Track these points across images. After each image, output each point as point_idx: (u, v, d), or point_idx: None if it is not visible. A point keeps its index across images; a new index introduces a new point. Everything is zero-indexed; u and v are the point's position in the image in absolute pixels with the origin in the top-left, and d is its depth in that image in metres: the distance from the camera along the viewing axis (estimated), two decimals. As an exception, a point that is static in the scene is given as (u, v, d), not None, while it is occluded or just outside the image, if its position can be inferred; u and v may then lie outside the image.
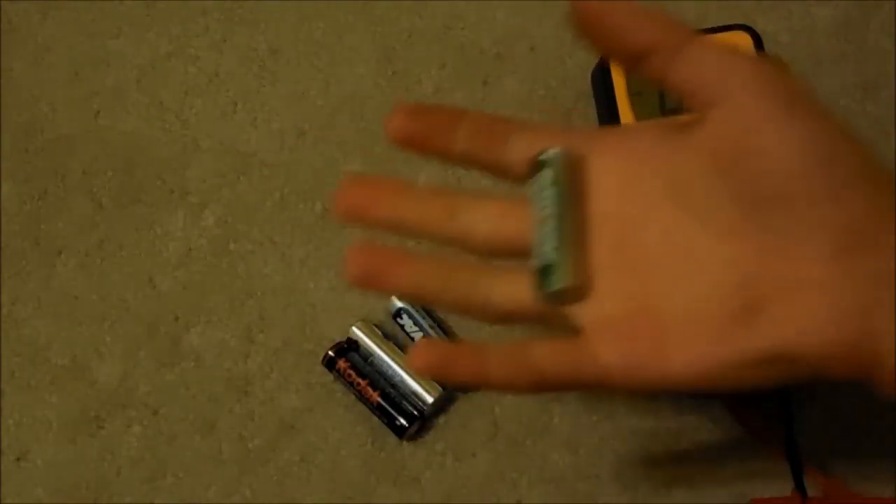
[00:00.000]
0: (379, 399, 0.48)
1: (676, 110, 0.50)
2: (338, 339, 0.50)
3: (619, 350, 0.35)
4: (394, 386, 0.49)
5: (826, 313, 0.32)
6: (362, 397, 0.49)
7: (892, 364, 0.32)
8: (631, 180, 0.36)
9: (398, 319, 0.50)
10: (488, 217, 0.38)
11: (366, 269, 0.38)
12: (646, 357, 0.34)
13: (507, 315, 0.38)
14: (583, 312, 0.36)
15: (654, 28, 0.34)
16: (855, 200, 0.32)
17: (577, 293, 0.35)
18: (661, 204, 0.35)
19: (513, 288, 0.37)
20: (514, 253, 0.37)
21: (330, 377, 0.50)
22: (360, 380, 0.49)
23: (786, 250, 0.33)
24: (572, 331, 0.36)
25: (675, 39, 0.34)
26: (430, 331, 0.50)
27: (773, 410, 0.47)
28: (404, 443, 0.49)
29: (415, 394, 0.49)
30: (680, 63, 0.34)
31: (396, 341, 0.50)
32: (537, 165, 0.36)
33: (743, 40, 0.50)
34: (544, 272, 0.35)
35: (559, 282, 0.35)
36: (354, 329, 0.50)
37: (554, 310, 0.36)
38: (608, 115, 0.50)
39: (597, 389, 0.36)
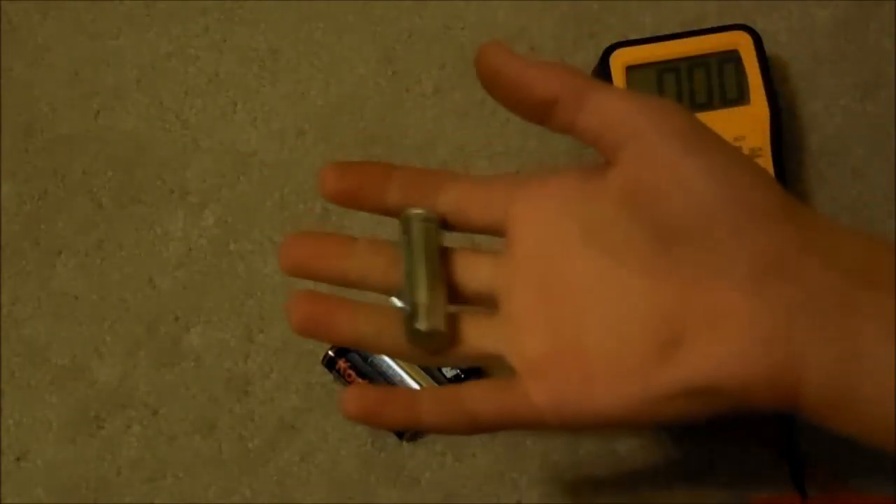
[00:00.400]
0: (379, 399, 0.48)
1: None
2: (338, 339, 0.50)
3: (548, 390, 0.36)
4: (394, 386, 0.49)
5: (744, 345, 0.33)
6: (362, 397, 0.49)
7: (813, 392, 0.33)
8: (551, 225, 0.38)
9: (398, 319, 0.50)
10: None
11: (308, 317, 0.38)
12: (574, 395, 0.36)
13: (438, 358, 0.39)
14: (512, 352, 0.37)
15: (554, 81, 0.36)
16: (764, 231, 0.33)
17: (440, 338, 0.38)
18: (581, 246, 0.37)
19: None
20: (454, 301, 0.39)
21: (330, 377, 0.50)
22: (359, 380, 0.49)
23: (702, 284, 0.34)
24: (508, 371, 0.37)
25: (575, 90, 0.35)
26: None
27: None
28: (404, 443, 0.49)
29: (415, 394, 0.49)
30: (583, 112, 0.35)
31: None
32: (407, 220, 0.39)
33: (743, 40, 0.50)
34: (409, 318, 0.37)
35: (421, 325, 0.37)
36: (354, 329, 0.50)
37: (432, 352, 0.38)
38: (608, 115, 0.50)
39: (532, 429, 0.38)
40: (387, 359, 0.49)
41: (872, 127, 0.53)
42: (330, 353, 0.49)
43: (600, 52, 0.51)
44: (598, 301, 0.36)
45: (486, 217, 0.39)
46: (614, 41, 0.51)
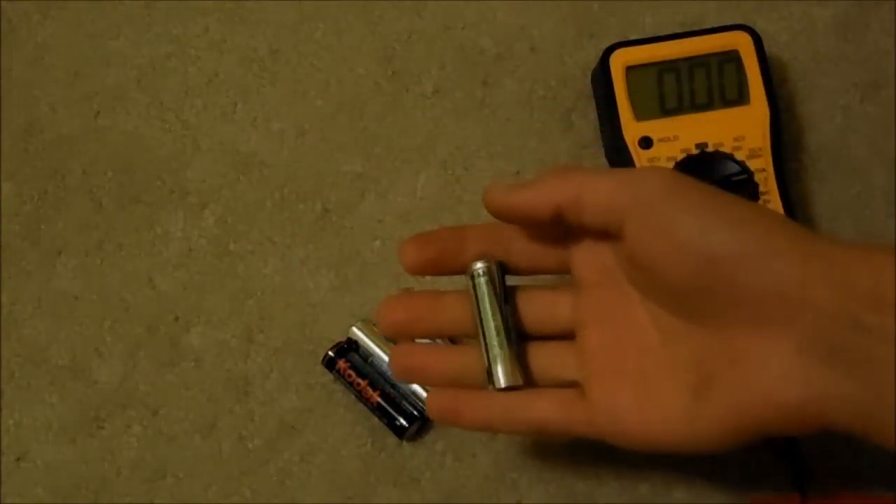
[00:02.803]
0: (379, 399, 0.48)
1: (676, 110, 0.50)
2: (338, 339, 0.50)
3: (609, 413, 0.40)
4: (394, 386, 0.49)
5: (764, 387, 0.35)
6: (362, 397, 0.49)
7: (841, 418, 0.34)
8: (606, 266, 0.41)
9: (398, 319, 0.50)
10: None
11: (408, 365, 0.43)
12: (633, 426, 0.39)
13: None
14: (585, 378, 0.41)
15: (550, 197, 0.39)
16: (762, 273, 0.35)
17: (518, 387, 0.41)
18: (633, 289, 0.40)
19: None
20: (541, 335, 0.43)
21: (330, 377, 0.50)
22: (360, 380, 0.49)
23: (719, 331, 0.36)
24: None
25: (570, 195, 0.38)
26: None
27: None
28: (404, 443, 0.49)
29: (415, 394, 0.49)
30: (584, 211, 0.38)
31: (396, 342, 0.50)
32: (470, 277, 0.42)
33: (743, 40, 0.50)
34: (488, 375, 0.41)
35: (502, 381, 0.41)
36: (354, 329, 0.50)
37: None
38: (608, 115, 0.50)
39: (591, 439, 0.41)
40: (387, 359, 0.49)
41: (872, 127, 0.53)
42: (330, 353, 0.49)
43: (600, 52, 0.51)
44: (654, 341, 0.39)
45: (551, 262, 0.42)
46: (614, 41, 0.51)
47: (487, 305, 0.41)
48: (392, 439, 0.49)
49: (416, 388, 0.49)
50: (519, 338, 0.42)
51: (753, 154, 0.49)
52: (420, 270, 0.42)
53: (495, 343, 0.41)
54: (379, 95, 0.54)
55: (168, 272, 0.52)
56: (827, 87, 0.54)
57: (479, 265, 0.41)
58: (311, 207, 0.53)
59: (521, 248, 0.42)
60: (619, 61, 0.50)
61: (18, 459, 0.50)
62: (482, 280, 0.41)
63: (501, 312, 0.41)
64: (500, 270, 0.42)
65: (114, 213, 0.53)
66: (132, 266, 0.52)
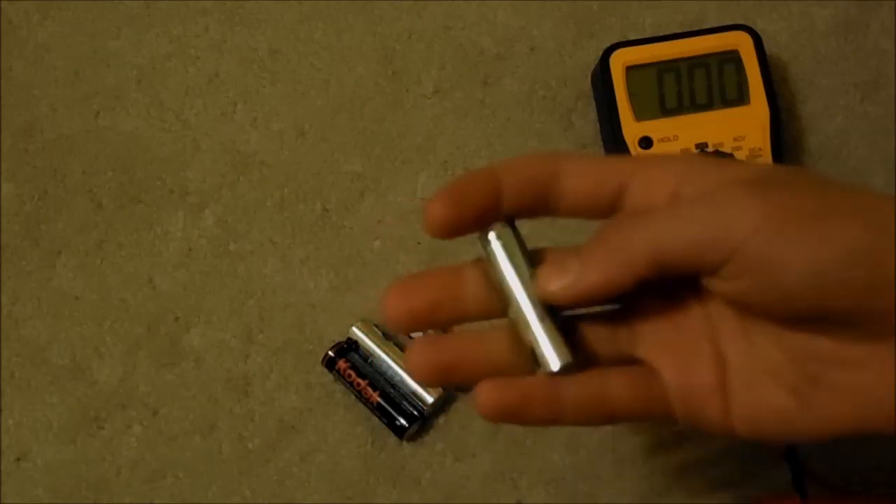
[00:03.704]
0: (379, 399, 0.48)
1: (676, 110, 0.50)
2: (338, 339, 0.50)
3: (686, 397, 0.34)
4: (394, 386, 0.49)
5: (875, 393, 0.32)
6: (362, 397, 0.49)
7: None
8: None
9: (398, 319, 0.50)
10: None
11: (435, 367, 0.35)
12: (712, 413, 0.34)
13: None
14: (646, 352, 0.35)
15: (631, 268, 0.32)
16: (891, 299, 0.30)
17: (575, 366, 0.34)
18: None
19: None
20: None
21: (330, 377, 0.50)
22: (360, 380, 0.49)
23: (827, 336, 0.32)
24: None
25: (649, 256, 0.32)
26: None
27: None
28: (404, 443, 0.49)
29: (415, 394, 0.49)
30: (666, 265, 0.32)
31: (396, 341, 0.50)
32: (487, 242, 0.35)
33: (743, 40, 0.50)
34: (535, 362, 0.34)
35: (558, 362, 0.34)
36: (354, 329, 0.50)
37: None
38: (608, 115, 0.50)
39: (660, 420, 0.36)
40: (387, 359, 0.49)
41: (872, 127, 0.53)
42: (330, 353, 0.49)
43: (600, 52, 0.51)
44: (734, 328, 0.35)
45: (600, 203, 0.34)
46: (614, 41, 0.51)
47: (515, 275, 0.34)
48: (392, 439, 0.49)
49: (417, 387, 0.49)
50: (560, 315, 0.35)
51: (753, 154, 0.49)
52: (445, 230, 0.34)
53: (535, 317, 0.34)
54: (379, 95, 0.54)
55: (168, 272, 0.52)
56: (827, 87, 0.54)
57: (493, 230, 0.34)
58: (311, 207, 0.53)
59: (567, 190, 0.34)
60: (619, 61, 0.50)
61: (18, 459, 0.50)
62: (499, 245, 0.34)
63: (529, 278, 0.34)
64: (514, 229, 0.35)
65: (114, 213, 0.53)
66: (132, 266, 0.52)
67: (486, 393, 0.34)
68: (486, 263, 0.35)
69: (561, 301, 0.33)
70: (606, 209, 0.34)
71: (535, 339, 0.34)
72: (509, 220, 0.35)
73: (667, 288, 0.35)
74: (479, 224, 0.34)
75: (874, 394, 0.32)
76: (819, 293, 0.30)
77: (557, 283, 0.33)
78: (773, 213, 0.30)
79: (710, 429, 0.35)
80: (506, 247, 0.34)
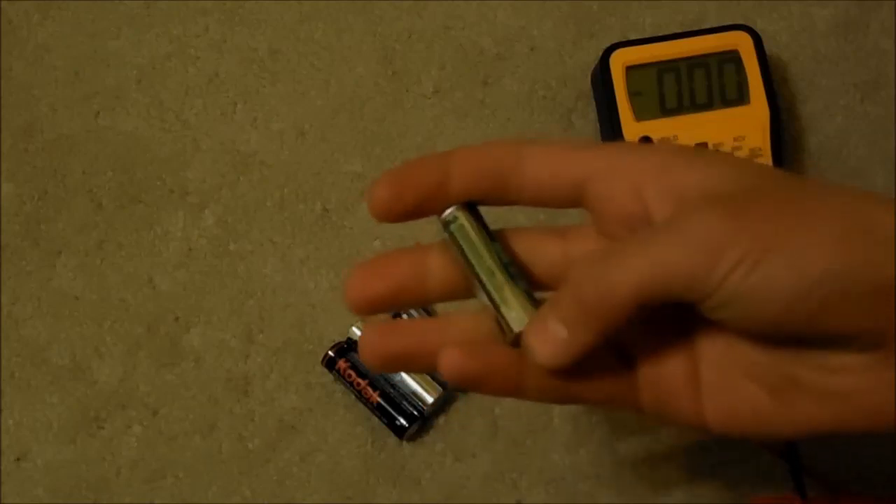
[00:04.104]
0: (379, 399, 0.48)
1: (676, 110, 0.50)
2: (338, 339, 0.50)
3: (654, 394, 0.34)
4: (394, 386, 0.49)
5: (857, 397, 0.31)
6: (362, 397, 0.49)
7: None
8: (638, 204, 0.34)
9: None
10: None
11: (391, 355, 0.35)
12: (684, 411, 0.34)
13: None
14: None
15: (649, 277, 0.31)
16: (885, 314, 0.30)
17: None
18: None
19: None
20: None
21: (330, 377, 0.50)
22: (360, 380, 0.49)
23: (809, 346, 0.32)
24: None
25: (658, 277, 0.31)
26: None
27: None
28: (404, 443, 0.49)
29: (415, 394, 0.49)
30: (671, 291, 0.31)
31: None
32: (446, 223, 0.34)
33: (743, 40, 0.50)
34: (501, 324, 0.34)
35: (517, 324, 0.33)
36: (354, 329, 0.50)
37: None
38: (608, 115, 0.50)
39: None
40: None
41: (872, 127, 0.53)
42: (330, 353, 0.49)
43: (600, 52, 0.51)
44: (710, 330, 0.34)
45: (561, 195, 0.34)
46: (614, 41, 0.51)
47: (477, 248, 0.34)
48: (392, 439, 0.49)
49: (417, 387, 0.49)
50: (526, 282, 0.34)
51: (753, 154, 0.49)
52: (390, 214, 0.33)
53: (495, 285, 0.33)
54: (379, 95, 0.54)
55: (168, 272, 0.52)
56: (827, 87, 0.54)
57: (448, 212, 0.34)
58: (311, 207, 0.53)
59: (527, 181, 0.34)
60: (619, 61, 0.50)
61: (18, 459, 0.50)
62: (458, 225, 0.34)
63: (491, 250, 0.34)
64: (474, 210, 0.35)
65: (114, 213, 0.53)
66: (132, 266, 0.52)
67: (449, 358, 0.33)
68: (448, 245, 0.34)
69: (558, 367, 0.32)
70: (569, 201, 0.34)
71: (499, 302, 0.33)
72: (469, 204, 0.34)
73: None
74: (422, 210, 0.34)
75: (854, 398, 0.31)
76: (806, 317, 0.30)
77: (549, 352, 0.32)
78: (750, 244, 0.30)
79: (679, 421, 0.34)
80: (463, 228, 0.34)
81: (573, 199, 0.34)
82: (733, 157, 0.34)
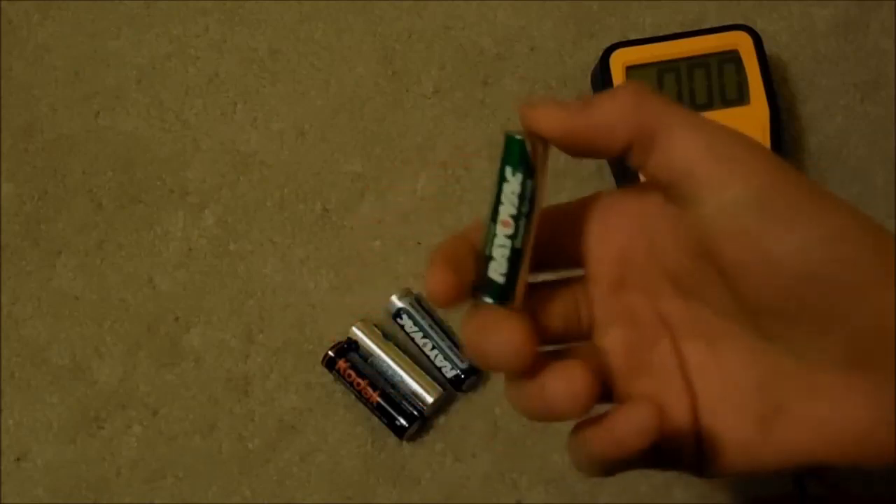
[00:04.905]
0: (379, 399, 0.48)
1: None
2: (338, 339, 0.50)
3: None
4: (394, 386, 0.49)
5: (844, 423, 0.31)
6: (362, 397, 0.49)
7: None
8: (632, 248, 0.34)
9: (398, 319, 0.50)
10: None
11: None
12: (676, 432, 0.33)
13: None
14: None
15: (627, 123, 0.31)
16: (860, 308, 0.30)
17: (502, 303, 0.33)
18: (668, 286, 0.33)
19: None
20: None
21: (330, 377, 0.50)
22: (360, 380, 0.49)
23: (795, 360, 0.31)
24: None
25: (645, 131, 0.31)
26: (430, 331, 0.50)
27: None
28: (404, 443, 0.49)
29: (415, 394, 0.49)
30: (653, 157, 0.31)
31: (396, 341, 0.50)
32: (512, 146, 0.32)
33: (743, 40, 0.50)
34: (490, 284, 0.32)
35: (498, 299, 0.32)
36: (354, 329, 0.50)
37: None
38: (608, 115, 0.50)
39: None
40: (387, 359, 0.49)
41: (872, 127, 0.53)
42: (330, 353, 0.49)
43: (600, 52, 0.51)
44: (700, 350, 0.33)
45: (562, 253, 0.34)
46: (614, 41, 0.51)
47: (530, 214, 0.32)
48: (392, 439, 0.49)
49: (417, 387, 0.49)
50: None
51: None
52: (450, 301, 0.32)
53: (520, 265, 0.32)
54: (379, 95, 0.54)
55: (168, 272, 0.52)
56: (827, 87, 0.54)
57: (518, 135, 0.32)
58: (311, 207, 0.53)
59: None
60: (619, 61, 0.50)
61: (18, 459, 0.50)
62: (528, 170, 0.31)
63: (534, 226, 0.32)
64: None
65: (114, 213, 0.53)
66: (132, 266, 0.52)
67: (435, 281, 0.32)
68: (503, 170, 0.32)
69: (553, 133, 0.31)
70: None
71: (492, 257, 0.32)
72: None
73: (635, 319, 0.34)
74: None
75: (832, 425, 0.31)
76: (804, 272, 0.29)
77: (551, 111, 0.31)
78: (779, 175, 0.30)
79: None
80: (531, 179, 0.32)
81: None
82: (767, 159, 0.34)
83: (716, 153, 0.30)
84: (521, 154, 0.32)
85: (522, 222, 0.32)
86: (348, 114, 0.54)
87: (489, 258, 0.32)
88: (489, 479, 0.49)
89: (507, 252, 0.32)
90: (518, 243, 0.32)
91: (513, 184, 0.32)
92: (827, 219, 0.30)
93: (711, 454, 0.32)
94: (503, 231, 0.32)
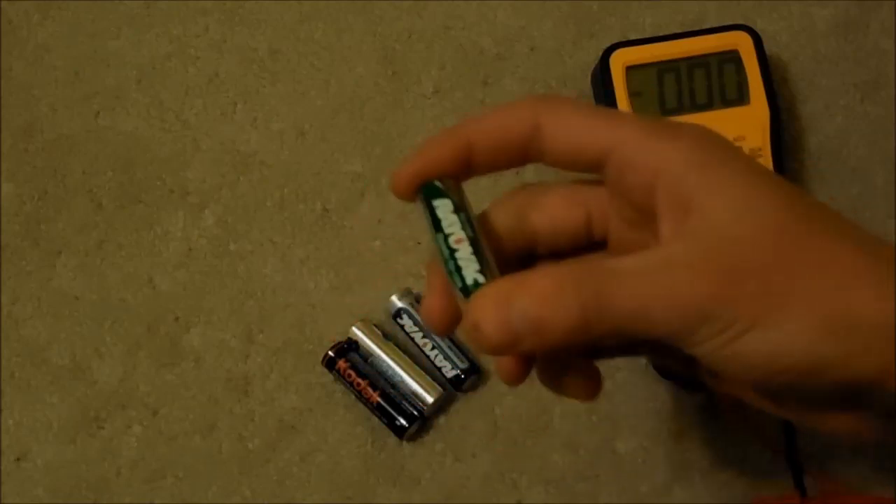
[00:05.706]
0: (379, 399, 0.48)
1: (676, 110, 0.50)
2: (338, 339, 0.50)
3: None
4: (394, 386, 0.49)
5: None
6: (362, 397, 0.49)
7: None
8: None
9: (398, 319, 0.50)
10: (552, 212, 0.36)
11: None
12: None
13: None
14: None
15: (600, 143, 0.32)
16: (863, 373, 0.29)
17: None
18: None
19: None
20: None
21: (330, 377, 0.50)
22: (359, 380, 0.49)
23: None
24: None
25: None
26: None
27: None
28: (404, 443, 0.49)
29: (415, 394, 0.49)
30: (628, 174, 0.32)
31: (396, 341, 0.50)
32: (428, 193, 0.34)
33: (743, 40, 0.50)
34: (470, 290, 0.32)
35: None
36: (354, 329, 0.50)
37: None
38: (608, 115, 0.50)
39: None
40: (387, 359, 0.49)
41: (872, 127, 0.53)
42: (330, 353, 0.49)
43: (600, 52, 0.51)
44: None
45: (581, 164, 0.34)
46: (614, 41, 0.51)
47: (471, 220, 0.33)
48: (392, 439, 0.49)
49: (417, 387, 0.49)
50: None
51: (753, 154, 0.49)
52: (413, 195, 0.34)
53: (487, 262, 0.32)
54: (379, 95, 0.54)
55: (168, 272, 0.52)
56: (827, 87, 0.54)
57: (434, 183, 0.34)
58: (311, 207, 0.53)
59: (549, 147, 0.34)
60: (619, 61, 0.50)
61: (18, 459, 0.50)
62: (453, 194, 0.34)
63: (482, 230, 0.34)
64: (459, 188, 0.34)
65: (114, 213, 0.53)
66: (132, 266, 0.52)
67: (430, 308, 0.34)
68: (425, 206, 0.34)
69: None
70: (590, 168, 0.33)
71: (481, 277, 0.32)
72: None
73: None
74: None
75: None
76: (775, 390, 0.31)
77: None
78: (732, 320, 0.29)
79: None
80: (458, 199, 0.33)
81: (594, 168, 0.33)
82: (755, 169, 0.33)
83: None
84: (440, 189, 0.33)
85: (464, 218, 0.33)
86: (348, 114, 0.54)
87: (456, 265, 0.32)
88: (489, 479, 0.49)
89: (468, 247, 0.32)
90: (470, 233, 0.33)
91: (441, 206, 0.33)
92: (828, 307, 0.30)
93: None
94: (453, 237, 0.33)
